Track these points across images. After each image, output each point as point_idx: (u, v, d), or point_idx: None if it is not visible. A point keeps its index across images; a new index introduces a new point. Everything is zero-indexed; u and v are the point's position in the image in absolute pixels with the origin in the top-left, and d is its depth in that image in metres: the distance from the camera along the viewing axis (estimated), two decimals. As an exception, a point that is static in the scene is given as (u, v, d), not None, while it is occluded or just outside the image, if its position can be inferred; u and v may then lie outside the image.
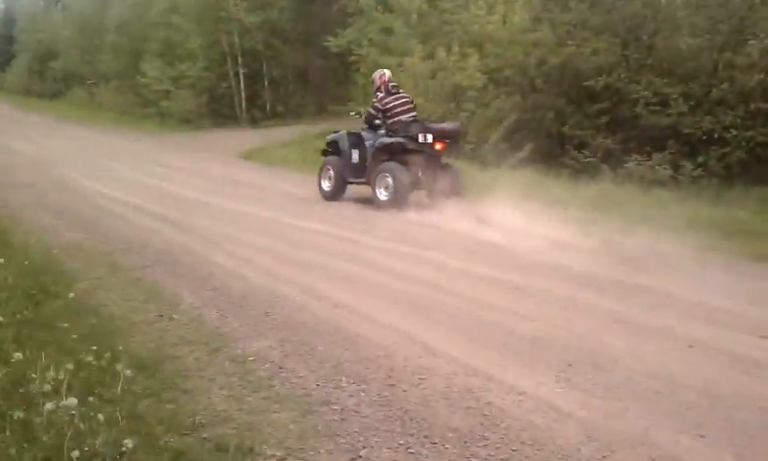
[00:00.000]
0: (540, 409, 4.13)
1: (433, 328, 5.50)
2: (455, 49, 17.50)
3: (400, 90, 12.17)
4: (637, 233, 9.04)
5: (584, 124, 16.08)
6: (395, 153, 11.34)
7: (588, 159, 15.16)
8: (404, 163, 11.18)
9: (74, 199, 11.89)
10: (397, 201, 10.99)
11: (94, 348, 4.42)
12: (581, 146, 15.66)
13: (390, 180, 11.10)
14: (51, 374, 3.91)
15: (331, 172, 12.30)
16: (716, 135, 14.28)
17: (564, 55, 16.51)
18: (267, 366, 4.75)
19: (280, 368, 4.72)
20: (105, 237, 8.79)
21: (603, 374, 4.66)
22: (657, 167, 13.79)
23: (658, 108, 14.96)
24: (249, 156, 19.98)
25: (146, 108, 32.43)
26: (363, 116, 12.32)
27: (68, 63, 45.34)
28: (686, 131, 14.54)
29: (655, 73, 15.67)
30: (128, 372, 4.12)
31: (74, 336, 4.66)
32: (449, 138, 11.65)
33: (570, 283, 6.94)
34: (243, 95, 29.90)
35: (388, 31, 21.29)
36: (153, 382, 4.30)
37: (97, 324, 5.19)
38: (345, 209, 11.53)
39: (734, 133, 14.00)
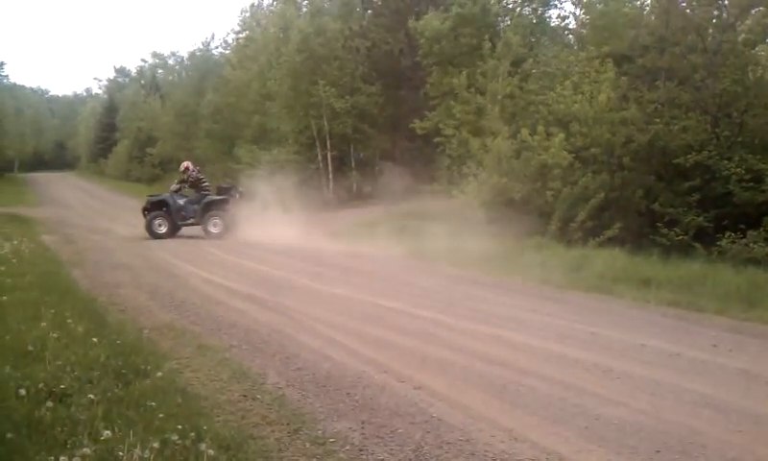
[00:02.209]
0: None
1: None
2: (540, 128, 17.53)
3: (201, 170, 21.24)
4: (730, 312, 8.73)
5: (674, 202, 15.75)
6: (217, 204, 19.73)
7: (680, 237, 14.80)
8: (224, 210, 19.65)
9: (167, 279, 12.27)
10: (225, 233, 19.28)
11: (179, 427, 4.51)
12: (671, 224, 15.30)
13: (218, 220, 19.48)
14: (137, 452, 4.01)
15: (160, 221, 19.35)
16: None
17: (652, 133, 16.33)
18: (347, 448, 4.75)
19: (360, 450, 4.72)
20: (195, 317, 9.01)
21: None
22: (751, 244, 13.33)
23: (751, 184, 14.55)
24: (333, 236, 20.29)
25: (238, 190, 33.48)
26: (187, 186, 20.07)
27: (166, 149, 47.47)
28: (783, 207, 14.08)
29: (747, 150, 15.31)
30: (211, 451, 4.17)
31: (161, 415, 4.76)
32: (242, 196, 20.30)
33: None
34: (331, 177, 30.58)
35: (479, 112, 21.51)
36: (234, 462, 4.34)
37: (183, 403, 5.29)
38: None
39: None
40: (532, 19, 27.82)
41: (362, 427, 5.11)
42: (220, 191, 20.32)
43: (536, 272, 12.79)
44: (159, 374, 5.86)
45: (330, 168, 30.65)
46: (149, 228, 19.17)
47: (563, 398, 5.75)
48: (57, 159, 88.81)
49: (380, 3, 32.42)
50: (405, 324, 8.76)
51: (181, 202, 19.72)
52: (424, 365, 6.76)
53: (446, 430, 5.05)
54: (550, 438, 4.88)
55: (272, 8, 41.66)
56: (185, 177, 20.14)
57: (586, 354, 7.14)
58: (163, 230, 19.27)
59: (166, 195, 19.99)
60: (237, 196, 20.17)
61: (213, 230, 19.40)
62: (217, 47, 54.93)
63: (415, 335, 8.05)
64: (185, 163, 20.88)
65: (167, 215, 19.48)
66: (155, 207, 19.62)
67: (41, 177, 62.38)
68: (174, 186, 20.32)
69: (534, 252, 14.45)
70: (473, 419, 5.26)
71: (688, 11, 18.32)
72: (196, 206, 19.71)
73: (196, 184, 20.04)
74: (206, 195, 19.93)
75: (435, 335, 8.06)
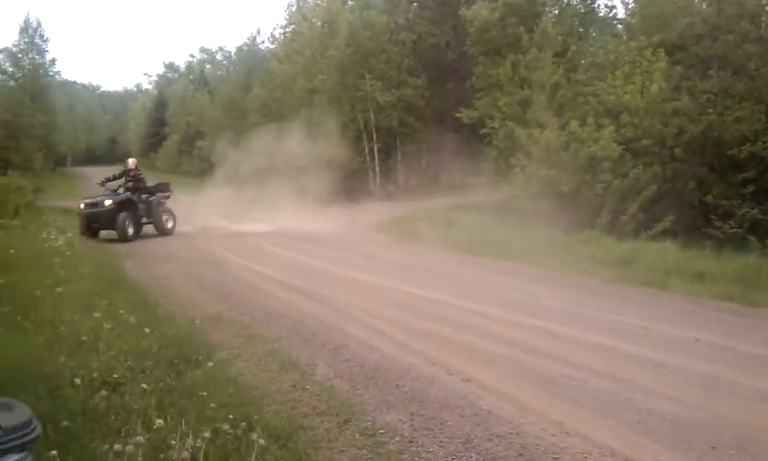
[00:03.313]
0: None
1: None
2: (590, 120, 17.28)
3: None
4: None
5: (728, 193, 15.41)
6: (162, 202, 19.56)
7: (734, 230, 14.47)
8: (166, 206, 19.71)
9: (216, 271, 12.40)
10: (174, 228, 19.50)
11: (231, 416, 4.54)
12: (725, 216, 14.97)
13: (167, 215, 19.53)
14: (189, 441, 4.04)
15: (128, 221, 17.92)
16: None
17: (705, 123, 15.99)
18: (397, 439, 4.74)
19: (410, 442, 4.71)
20: (245, 308, 9.09)
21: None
22: (809, 238, 13.00)
23: (808, 176, 14.19)
24: (380, 229, 20.31)
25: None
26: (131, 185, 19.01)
27: (214, 143, 47.82)
28: (841, 199, 13.69)
29: (803, 141, 14.92)
30: (262, 441, 4.18)
31: (212, 405, 4.81)
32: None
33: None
34: (377, 170, 30.58)
35: (524, 104, 21.31)
36: (285, 452, 4.36)
37: (234, 393, 5.34)
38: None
39: None
40: (579, 9, 27.42)
41: (411, 419, 5.10)
42: (154, 189, 19.67)
43: (585, 265, 12.63)
44: (210, 364, 5.93)
45: (377, 161, 30.66)
46: (121, 229, 17.66)
47: (614, 392, 5.66)
48: (108, 154, 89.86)
49: (426, -4, 32.30)
50: (452, 316, 8.71)
51: (140, 197, 18.94)
52: (473, 357, 6.72)
53: (496, 423, 5.01)
54: (602, 432, 4.80)
55: (318, 2, 41.77)
56: (133, 174, 19.10)
57: (637, 348, 7.01)
58: (131, 231, 17.93)
59: (126, 194, 18.55)
60: (170, 193, 20.08)
61: (168, 225, 19.35)
62: (263, 42, 55.42)
63: (462, 327, 8.01)
64: (133, 160, 20.13)
65: (133, 215, 18.31)
66: (122, 208, 18.05)
67: (93, 171, 63.49)
68: (112, 185, 19.09)
69: (583, 245, 14.26)
70: (523, 412, 5.21)
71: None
72: (145, 206, 19.02)
73: (139, 183, 19.15)
74: (148, 193, 19.32)
75: (483, 328, 8.00)
